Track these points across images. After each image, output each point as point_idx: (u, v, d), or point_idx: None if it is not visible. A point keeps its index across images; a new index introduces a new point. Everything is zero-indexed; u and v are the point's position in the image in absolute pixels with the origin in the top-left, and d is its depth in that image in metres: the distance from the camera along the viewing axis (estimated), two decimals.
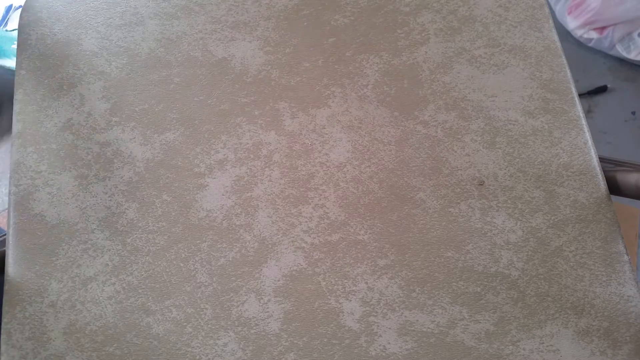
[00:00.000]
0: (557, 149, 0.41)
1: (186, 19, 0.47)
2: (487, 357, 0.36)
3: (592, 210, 0.39)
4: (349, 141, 0.42)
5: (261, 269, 0.39)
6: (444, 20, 0.45)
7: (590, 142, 0.41)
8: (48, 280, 0.38)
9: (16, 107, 0.44)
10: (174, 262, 0.39)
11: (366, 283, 0.38)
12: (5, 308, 0.38)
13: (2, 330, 0.37)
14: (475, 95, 0.43)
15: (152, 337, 0.37)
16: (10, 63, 0.99)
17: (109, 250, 0.39)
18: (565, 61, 0.43)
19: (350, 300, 0.37)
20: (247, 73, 0.44)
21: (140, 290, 0.38)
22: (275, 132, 0.42)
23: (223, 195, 0.41)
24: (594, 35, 1.29)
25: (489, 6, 0.45)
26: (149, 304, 0.38)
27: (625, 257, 0.38)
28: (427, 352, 0.36)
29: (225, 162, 0.42)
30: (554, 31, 0.44)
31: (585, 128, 0.41)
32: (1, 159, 1.09)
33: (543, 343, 0.36)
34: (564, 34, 1.35)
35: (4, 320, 0.38)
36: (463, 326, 0.37)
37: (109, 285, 0.38)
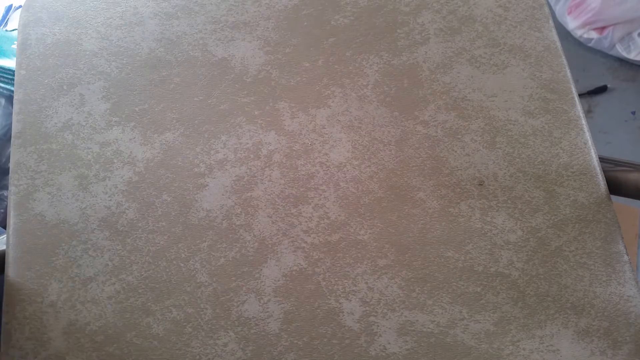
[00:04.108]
0: (557, 149, 0.41)
1: (186, 19, 0.47)
2: (487, 357, 0.36)
3: (592, 210, 0.39)
4: (349, 141, 0.42)
5: (261, 269, 0.39)
6: (444, 20, 0.45)
7: (590, 142, 0.41)
8: (48, 280, 0.38)
9: (16, 107, 0.44)
10: (174, 262, 0.39)
11: (366, 283, 0.38)
12: (5, 308, 0.38)
13: (2, 330, 0.37)
14: (475, 95, 0.43)
15: (152, 337, 0.37)
16: (10, 63, 0.99)
17: (109, 250, 0.39)
18: (565, 61, 0.43)
19: (350, 300, 0.37)
20: (247, 73, 0.44)
21: (140, 290, 0.38)
22: (275, 132, 0.42)
23: (223, 195, 0.41)
24: (594, 35, 1.29)
25: (489, 6, 0.45)
26: (149, 304, 0.38)
27: (625, 257, 0.38)
28: (427, 352, 0.36)
29: (225, 162, 0.42)
30: (554, 31, 0.44)
31: (585, 128, 0.41)
32: None
33: (543, 343, 0.36)
34: (564, 34, 1.35)
35: (4, 320, 0.38)
36: (463, 326, 0.37)
37: (109, 285, 0.38)
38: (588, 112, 1.32)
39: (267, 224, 0.40)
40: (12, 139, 0.43)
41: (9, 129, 0.99)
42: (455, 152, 0.41)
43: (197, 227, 0.40)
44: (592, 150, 0.40)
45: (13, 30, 1.04)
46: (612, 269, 0.38)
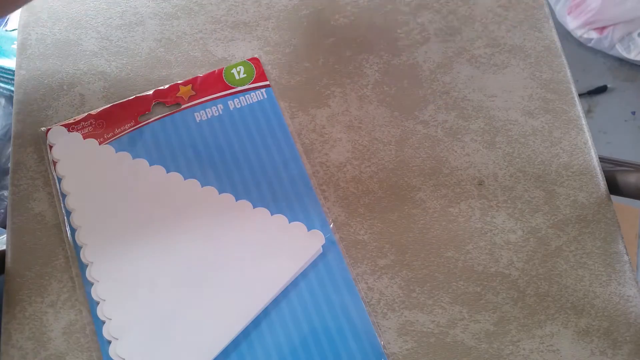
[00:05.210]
0: (557, 149, 0.41)
1: (186, 19, 0.47)
2: (487, 357, 0.36)
3: (592, 210, 0.39)
4: (349, 141, 0.42)
5: None
6: (444, 20, 0.45)
7: (590, 142, 0.41)
8: (48, 280, 0.38)
9: (16, 107, 0.44)
10: None
11: (366, 283, 0.38)
12: (5, 308, 0.38)
13: (2, 330, 0.37)
14: (475, 95, 0.43)
15: None
16: (10, 63, 0.99)
17: None
18: (565, 61, 0.43)
19: None
20: None
21: None
22: None
23: None
24: (594, 35, 1.29)
25: (489, 6, 0.45)
26: None
27: (625, 257, 0.38)
28: (427, 352, 0.36)
29: None
30: (554, 31, 0.44)
31: (585, 128, 0.41)
32: None
33: (543, 343, 0.36)
34: (564, 34, 1.35)
35: (4, 320, 0.38)
36: (463, 326, 0.37)
37: None
38: (588, 112, 1.32)
39: None
40: (12, 139, 0.43)
41: (9, 129, 0.99)
42: (455, 152, 0.41)
43: None
44: (592, 150, 0.41)
45: (13, 30, 1.04)
46: (612, 269, 0.38)
